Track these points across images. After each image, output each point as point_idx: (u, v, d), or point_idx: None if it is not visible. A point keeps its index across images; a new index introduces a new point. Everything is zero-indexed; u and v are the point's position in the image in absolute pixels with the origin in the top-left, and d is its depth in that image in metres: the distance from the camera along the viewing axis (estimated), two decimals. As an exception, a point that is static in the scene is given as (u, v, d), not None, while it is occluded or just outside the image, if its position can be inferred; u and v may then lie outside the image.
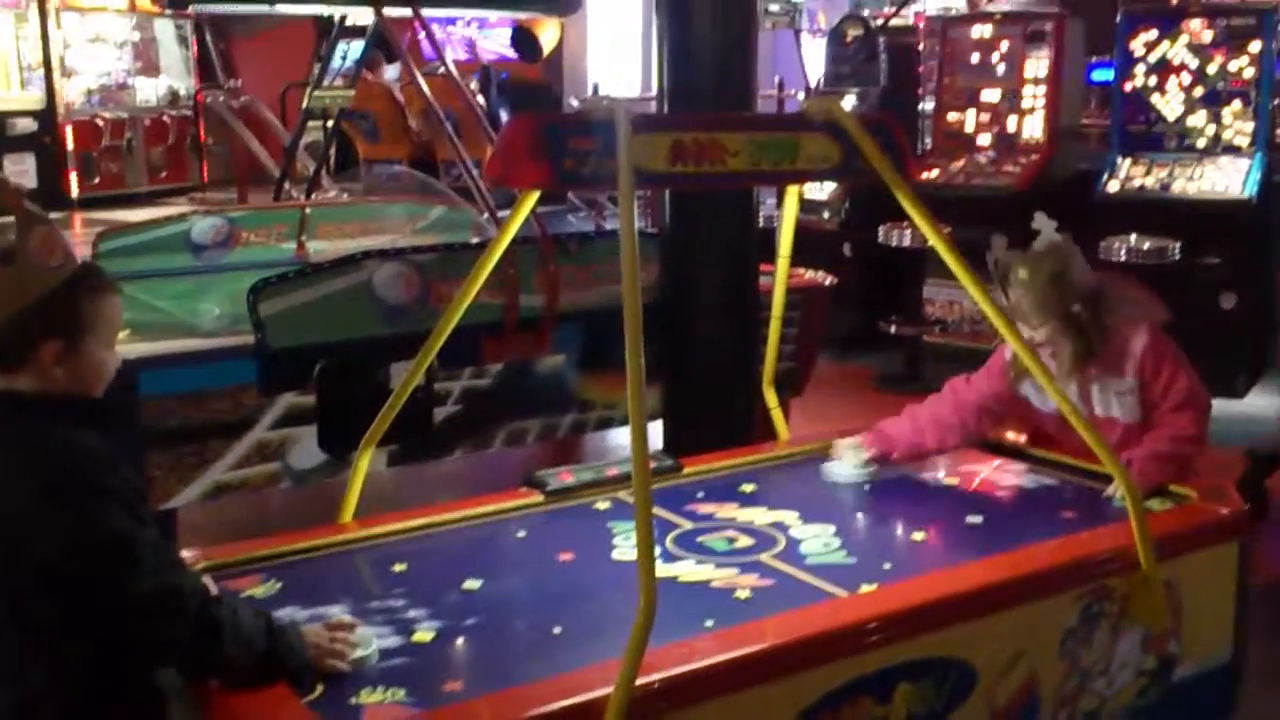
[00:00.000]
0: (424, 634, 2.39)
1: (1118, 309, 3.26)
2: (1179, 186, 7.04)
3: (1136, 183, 7.17)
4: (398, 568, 2.73)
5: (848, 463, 3.36)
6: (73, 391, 2.11)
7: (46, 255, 2.07)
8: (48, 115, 13.04)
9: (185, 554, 2.55)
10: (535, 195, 2.68)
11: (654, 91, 4.74)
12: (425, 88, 6.02)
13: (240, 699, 2.07)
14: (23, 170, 12.67)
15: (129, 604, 2.01)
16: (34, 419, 2.06)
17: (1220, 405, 3.56)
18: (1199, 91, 7.12)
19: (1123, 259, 6.47)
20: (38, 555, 1.98)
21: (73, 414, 2.09)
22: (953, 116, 8.11)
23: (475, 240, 5.49)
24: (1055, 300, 3.20)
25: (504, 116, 12.26)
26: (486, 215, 5.59)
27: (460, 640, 2.41)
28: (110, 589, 2.00)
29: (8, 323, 2.05)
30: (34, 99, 13.05)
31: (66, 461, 2.03)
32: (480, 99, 9.82)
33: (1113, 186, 7.20)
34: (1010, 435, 3.55)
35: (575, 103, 12.26)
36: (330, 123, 8.43)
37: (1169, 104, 7.22)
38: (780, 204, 3.59)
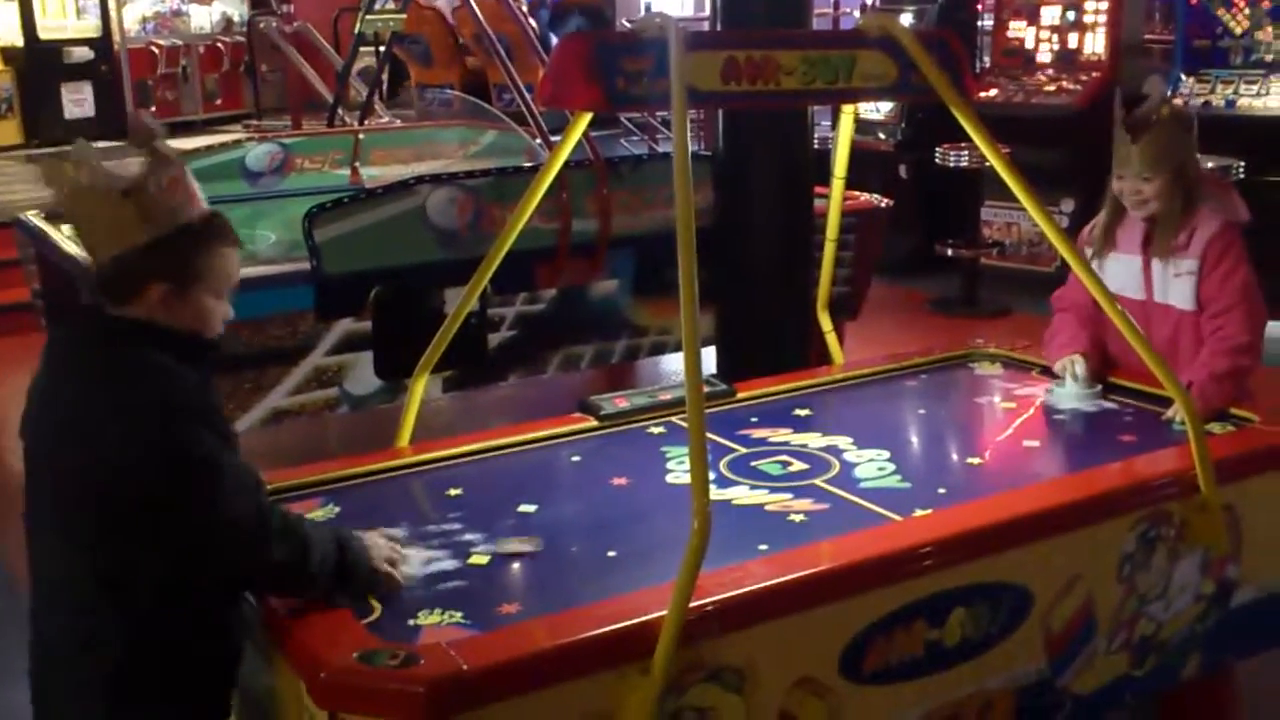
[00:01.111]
0: (480, 557, 2.42)
1: (1204, 198, 3.25)
2: (1245, 103, 6.88)
3: (1201, 100, 7.01)
4: (453, 492, 2.76)
5: (1075, 386, 3.25)
6: (172, 328, 2.12)
7: (169, 198, 2.08)
8: (104, 44, 13.08)
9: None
10: (587, 117, 2.66)
11: (707, 11, 4.67)
12: (477, 11, 5.98)
13: (304, 625, 2.10)
14: (80, 99, 12.74)
15: (223, 526, 2.04)
16: (133, 343, 2.08)
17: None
18: (1266, 4, 6.92)
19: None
20: (131, 477, 2.00)
21: (172, 346, 2.11)
22: (1012, 33, 7.95)
23: (528, 165, 5.48)
24: (1179, 150, 3.22)
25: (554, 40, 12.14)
26: (539, 139, 5.57)
27: (515, 563, 2.43)
28: (204, 511, 2.03)
29: (120, 258, 2.08)
30: (90, 28, 13.07)
31: (162, 385, 2.05)
32: (533, 22, 9.73)
33: (1176, 104, 7.04)
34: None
35: (627, 24, 12.13)
36: (382, 48, 8.40)
37: (1236, 18, 7.03)
38: (835, 124, 3.54)
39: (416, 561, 2.36)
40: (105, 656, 2.06)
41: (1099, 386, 3.26)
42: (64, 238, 4.89)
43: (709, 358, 4.40)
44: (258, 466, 2.18)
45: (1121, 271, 3.28)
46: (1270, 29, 6.92)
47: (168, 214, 2.07)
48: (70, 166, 2.07)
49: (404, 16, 7.42)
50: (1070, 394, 3.25)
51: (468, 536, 2.50)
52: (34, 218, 5.27)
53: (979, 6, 8.55)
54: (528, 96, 5.39)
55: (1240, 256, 3.21)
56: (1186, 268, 3.23)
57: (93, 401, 2.04)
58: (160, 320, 2.11)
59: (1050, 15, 7.77)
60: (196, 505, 2.02)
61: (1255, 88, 6.92)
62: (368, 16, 7.21)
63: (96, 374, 2.07)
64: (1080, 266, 2.77)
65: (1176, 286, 3.25)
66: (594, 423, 3.12)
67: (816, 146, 4.75)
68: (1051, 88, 7.58)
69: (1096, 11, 7.54)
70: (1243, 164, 6.42)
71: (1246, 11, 6.99)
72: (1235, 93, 6.96)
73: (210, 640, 2.15)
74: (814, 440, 3.02)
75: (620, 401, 3.19)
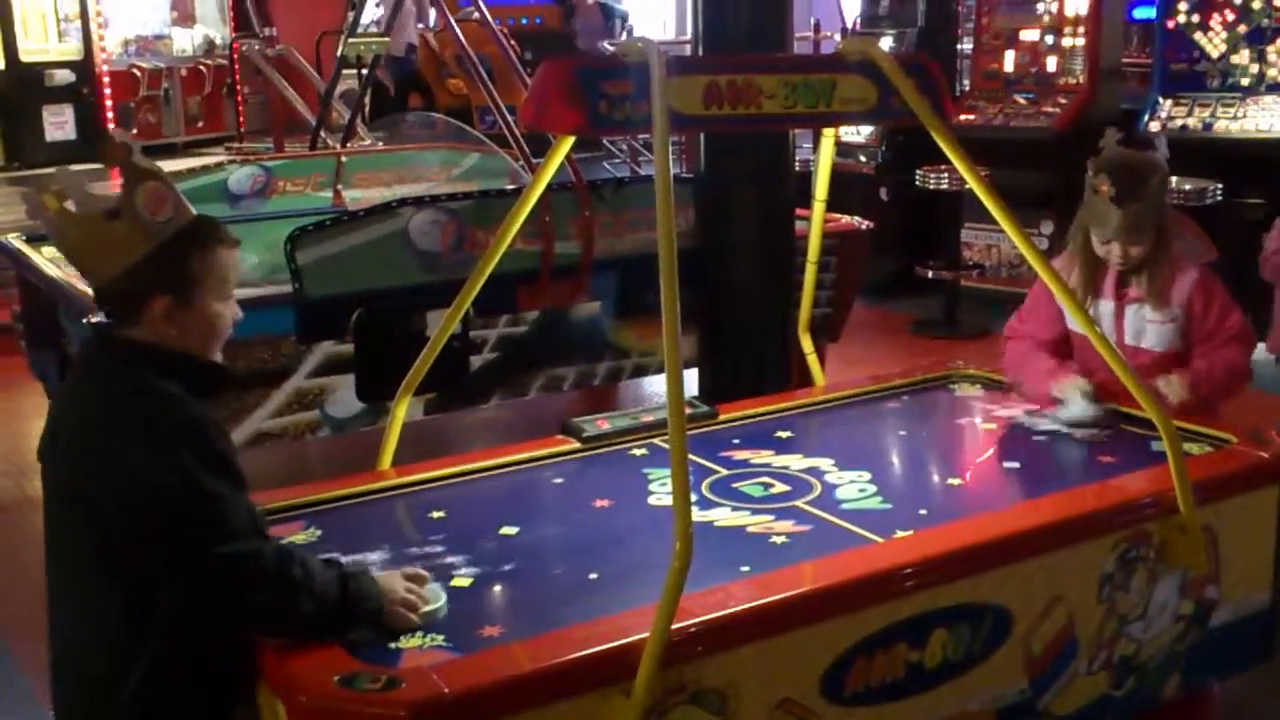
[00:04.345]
0: (462, 580, 2.41)
1: (1175, 241, 3.27)
2: (1221, 126, 6.93)
3: (1178, 123, 7.06)
4: (436, 514, 2.75)
5: (1079, 404, 3.20)
6: (184, 347, 2.14)
7: (155, 210, 2.09)
8: (85, 67, 13.05)
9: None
10: (569, 141, 2.67)
11: (689, 34, 4.70)
12: (459, 33, 6.00)
13: (284, 647, 2.08)
14: (62, 122, 12.71)
15: (211, 565, 2.02)
16: (144, 371, 2.09)
17: (1261, 349, 3.55)
18: (1243, 28, 6.98)
19: (1164, 200, 6.39)
20: (135, 508, 2.01)
21: (182, 373, 2.12)
22: (991, 57, 8.00)
23: (510, 187, 5.48)
24: (1161, 210, 3.22)
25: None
26: (521, 162, 5.58)
27: (498, 586, 2.43)
28: (196, 548, 2.01)
29: (117, 278, 2.09)
30: (72, 50, 13.05)
31: (171, 419, 2.05)
32: (513, 43, 9.74)
33: (1154, 127, 7.09)
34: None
35: (609, 48, 12.16)
36: (365, 70, 8.41)
37: (1212, 41, 7.09)
38: (816, 147, 3.57)
39: (441, 601, 2.25)
40: (128, 679, 2.05)
41: (1108, 404, 3.20)
42: (44, 260, 4.87)
43: (691, 379, 4.41)
44: (256, 509, 2.15)
45: (1095, 316, 3.28)
46: (1246, 53, 6.98)
47: (154, 227, 2.08)
48: (52, 198, 2.08)
49: (387, 40, 7.44)
50: (1080, 413, 3.18)
51: (449, 559, 2.50)
52: (14, 240, 5.25)
53: (958, 31, 8.61)
54: (510, 119, 5.40)
55: (1226, 297, 3.26)
56: (1166, 315, 3.26)
57: (112, 433, 2.04)
58: (170, 340, 2.12)
59: (1029, 39, 7.83)
60: (195, 544, 2.01)
61: (1232, 111, 6.98)
62: (350, 40, 7.22)
63: (112, 405, 2.08)
64: (1060, 289, 2.79)
65: (1153, 332, 3.27)
66: (576, 444, 3.12)
67: (797, 169, 4.77)
68: (1031, 111, 7.63)
69: (1075, 35, 7.60)
70: (1220, 186, 6.47)
71: (1223, 35, 7.05)
72: (1212, 116, 7.01)
73: (226, 660, 2.14)
74: (795, 462, 3.03)
75: (602, 423, 3.19)
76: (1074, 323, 3.33)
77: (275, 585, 2.04)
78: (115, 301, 2.13)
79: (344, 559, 2.42)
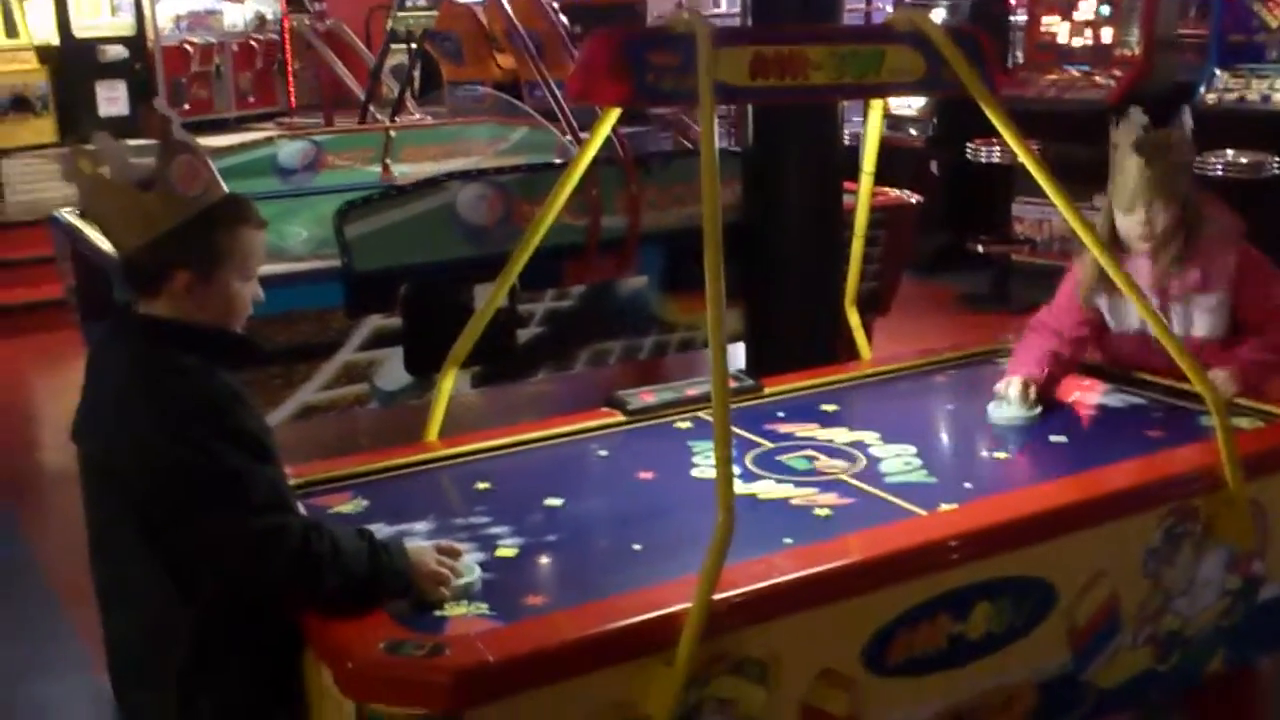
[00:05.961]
0: (507, 550, 2.44)
1: (1206, 222, 3.19)
2: (1280, 99, 6.82)
3: (1235, 95, 6.95)
4: (481, 486, 2.78)
5: (1014, 405, 3.13)
6: (208, 322, 2.15)
7: (187, 184, 2.10)
8: (137, 42, 13.15)
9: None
10: (615, 113, 2.67)
11: (738, 7, 4.68)
12: (508, 8, 6.00)
13: (330, 614, 2.09)
14: (115, 97, 12.81)
15: (229, 540, 2.04)
16: (166, 346, 2.10)
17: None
18: (1304, -2, 6.87)
19: (1219, 174, 6.30)
20: (156, 484, 2.02)
21: (206, 346, 2.13)
22: (1045, 27, 7.91)
23: (558, 161, 5.49)
24: (1185, 180, 3.14)
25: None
26: (569, 136, 5.59)
27: (542, 556, 2.45)
28: (216, 523, 2.03)
29: (142, 249, 2.10)
30: (124, 26, 13.15)
31: (188, 393, 2.06)
32: (563, 18, 9.71)
33: (1210, 99, 6.99)
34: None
35: (659, 19, 12.11)
36: (414, 45, 8.44)
37: (1272, 12, 6.96)
38: (865, 119, 3.55)
39: (475, 575, 2.25)
40: (173, 651, 2.08)
41: (1036, 410, 3.12)
42: (97, 233, 4.94)
43: (738, 353, 4.41)
44: (284, 482, 2.17)
45: (1133, 311, 3.17)
46: (1306, 23, 6.87)
47: (184, 201, 2.09)
48: (87, 163, 2.10)
49: (436, 14, 7.45)
50: (1005, 415, 3.13)
51: (495, 529, 2.52)
52: (68, 214, 5.32)
53: (1012, 1, 8.52)
54: (558, 93, 5.41)
55: (1272, 271, 3.20)
56: (1215, 301, 3.19)
57: (131, 409, 2.06)
58: (190, 315, 2.13)
59: (1085, 9, 7.73)
60: (213, 519, 2.03)
61: (1291, 82, 6.87)
62: (399, 14, 7.24)
63: (132, 381, 2.09)
64: (1111, 265, 2.76)
65: (1201, 320, 3.20)
66: (621, 417, 3.13)
67: (847, 142, 4.75)
68: (1085, 82, 7.54)
69: (1131, 6, 7.49)
70: (1277, 159, 6.38)
71: (1283, 5, 6.94)
72: (1271, 88, 6.89)
73: (276, 625, 2.15)
74: (840, 435, 3.03)
75: (647, 396, 3.20)
76: (1108, 314, 3.29)
77: (299, 560, 2.05)
78: (138, 272, 2.13)
79: (389, 529, 2.47)
